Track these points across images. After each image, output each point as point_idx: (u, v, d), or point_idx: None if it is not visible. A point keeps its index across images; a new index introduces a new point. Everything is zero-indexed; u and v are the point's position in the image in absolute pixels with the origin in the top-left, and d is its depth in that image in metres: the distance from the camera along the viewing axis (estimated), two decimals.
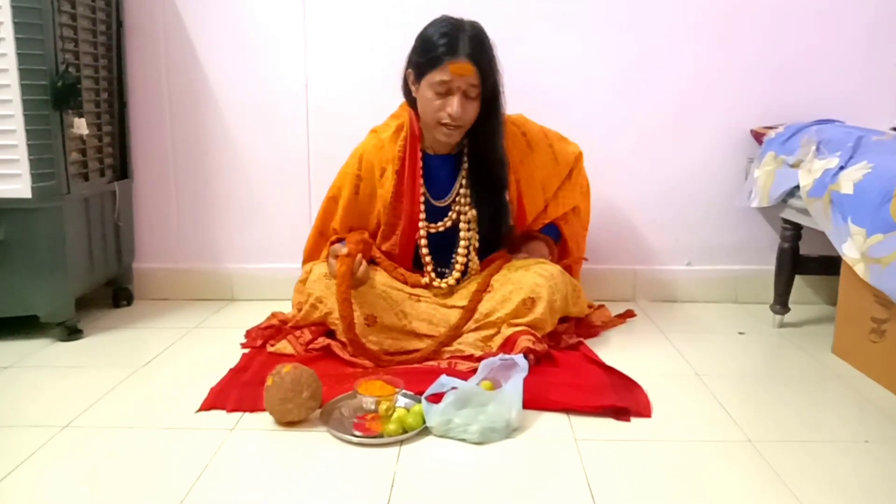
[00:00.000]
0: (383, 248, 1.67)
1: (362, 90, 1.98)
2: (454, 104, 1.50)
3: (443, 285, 1.66)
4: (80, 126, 1.72)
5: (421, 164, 1.64)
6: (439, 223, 1.66)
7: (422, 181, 1.64)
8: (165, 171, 2.08)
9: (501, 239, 1.72)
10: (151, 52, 2.01)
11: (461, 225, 1.67)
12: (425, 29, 1.55)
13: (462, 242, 1.67)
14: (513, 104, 1.84)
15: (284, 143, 2.05)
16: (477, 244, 1.68)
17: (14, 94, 1.57)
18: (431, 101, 1.53)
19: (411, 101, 1.63)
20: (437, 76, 1.49)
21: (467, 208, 1.66)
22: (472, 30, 1.52)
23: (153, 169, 2.08)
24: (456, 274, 1.67)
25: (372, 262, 1.65)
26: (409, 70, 1.58)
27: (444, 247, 1.68)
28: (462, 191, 1.66)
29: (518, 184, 1.69)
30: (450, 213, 1.67)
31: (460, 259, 1.67)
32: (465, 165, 1.65)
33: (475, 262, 1.68)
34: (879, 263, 1.37)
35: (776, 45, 1.98)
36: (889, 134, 1.65)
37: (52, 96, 1.61)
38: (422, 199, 1.64)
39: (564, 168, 1.77)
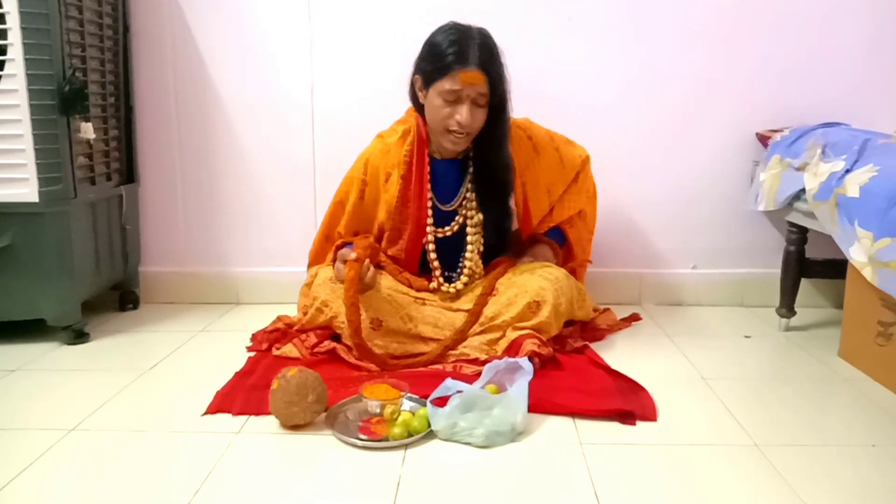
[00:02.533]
0: (389, 252, 1.67)
1: (368, 96, 1.99)
2: (464, 112, 1.49)
3: (451, 290, 1.65)
4: (87, 130, 1.73)
5: (428, 168, 1.62)
6: (446, 227, 1.66)
7: (429, 186, 1.63)
8: (172, 176, 2.09)
9: (506, 243, 1.72)
10: (158, 57, 2.02)
11: (468, 229, 1.66)
12: (433, 35, 1.53)
13: (469, 247, 1.66)
14: (519, 108, 1.84)
15: (290, 148, 2.05)
16: (482, 248, 1.68)
17: (21, 98, 1.58)
18: (440, 108, 1.51)
19: (418, 106, 1.60)
20: (446, 84, 1.48)
21: (474, 212, 1.65)
22: (480, 37, 1.50)
23: (160, 173, 2.08)
24: (464, 279, 1.66)
25: (377, 266, 1.64)
26: (417, 76, 1.56)
27: (449, 251, 1.68)
28: (468, 195, 1.65)
29: (524, 187, 1.68)
30: (457, 218, 1.66)
31: (468, 263, 1.66)
32: (472, 170, 1.65)
33: (479, 265, 1.68)
34: (887, 267, 1.37)
35: (781, 49, 1.98)
36: (895, 137, 1.64)
37: (59, 101, 1.62)
38: (429, 203, 1.63)
39: (570, 172, 1.76)
